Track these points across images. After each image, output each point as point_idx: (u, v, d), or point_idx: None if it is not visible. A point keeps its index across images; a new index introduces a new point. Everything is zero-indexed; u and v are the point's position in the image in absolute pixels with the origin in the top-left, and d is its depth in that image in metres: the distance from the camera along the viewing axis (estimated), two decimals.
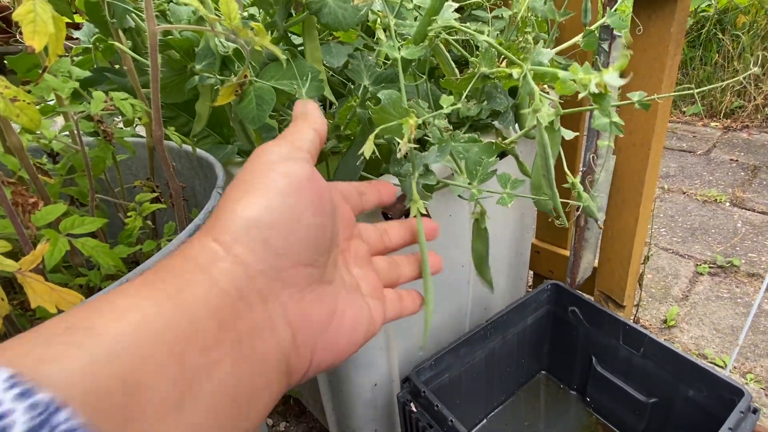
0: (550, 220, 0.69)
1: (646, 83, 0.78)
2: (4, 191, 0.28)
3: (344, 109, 0.48)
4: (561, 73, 0.37)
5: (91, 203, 0.40)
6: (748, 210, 1.76)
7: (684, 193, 1.91)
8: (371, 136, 0.38)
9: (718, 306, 1.32)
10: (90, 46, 0.65)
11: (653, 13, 0.73)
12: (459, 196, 0.48)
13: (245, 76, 0.34)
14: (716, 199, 1.83)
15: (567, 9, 0.59)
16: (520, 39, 0.55)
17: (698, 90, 0.42)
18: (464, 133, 0.72)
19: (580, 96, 0.38)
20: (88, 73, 0.44)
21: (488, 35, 0.70)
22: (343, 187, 0.37)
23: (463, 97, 0.59)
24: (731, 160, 2.17)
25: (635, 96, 0.46)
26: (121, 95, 0.38)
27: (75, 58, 0.68)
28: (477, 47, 0.74)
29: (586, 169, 0.86)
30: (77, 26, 0.71)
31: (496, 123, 0.75)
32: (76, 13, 0.65)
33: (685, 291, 1.38)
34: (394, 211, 0.63)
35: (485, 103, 0.70)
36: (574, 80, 0.39)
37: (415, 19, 0.58)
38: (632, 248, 0.95)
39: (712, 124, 2.57)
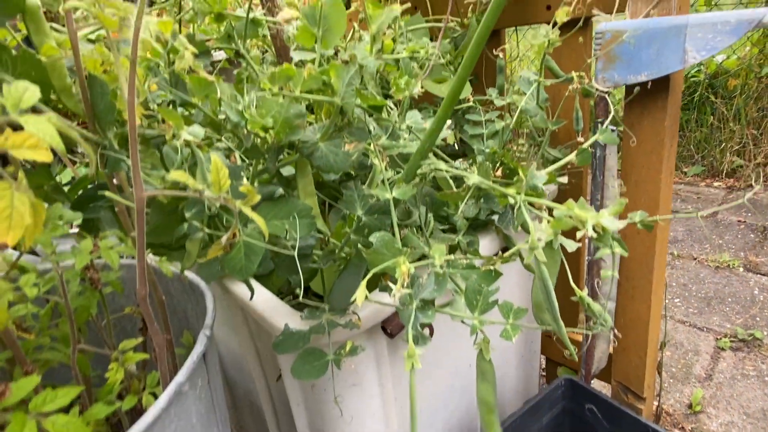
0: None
1: (644, 174, 0.78)
2: None
3: (338, 233, 0.47)
4: (556, 212, 0.37)
5: (72, 355, 0.38)
6: (764, 275, 1.70)
7: (695, 258, 1.87)
8: (363, 283, 0.36)
9: (745, 386, 1.24)
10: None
11: (645, 109, 0.74)
12: (462, 321, 0.46)
13: (234, 235, 0.33)
14: (729, 265, 1.79)
15: (560, 118, 0.59)
16: (515, 149, 0.55)
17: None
18: (464, 234, 0.70)
19: (579, 235, 0.37)
20: (80, 215, 0.44)
21: (483, 139, 0.71)
22: None
23: (461, 209, 0.58)
24: (739, 221, 2.14)
25: (636, 216, 0.45)
26: (108, 243, 0.38)
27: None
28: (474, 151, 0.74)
29: (590, 259, 0.84)
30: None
31: (495, 219, 0.74)
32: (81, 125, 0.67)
33: (707, 369, 1.31)
34: (393, 325, 0.61)
35: (482, 202, 0.70)
36: (570, 216, 0.38)
37: (409, 131, 0.59)
38: (647, 336, 0.91)
39: (715, 183, 2.57)
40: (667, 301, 1.62)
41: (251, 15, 0.54)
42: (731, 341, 1.40)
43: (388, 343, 0.60)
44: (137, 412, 0.44)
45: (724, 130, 2.60)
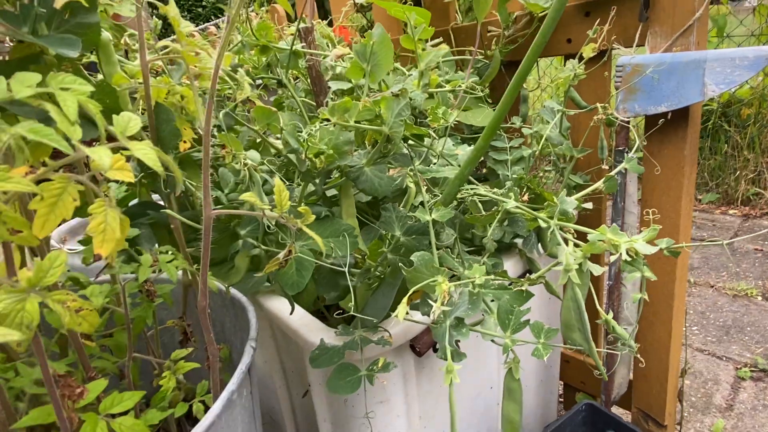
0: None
1: (665, 200, 0.79)
2: (56, 393, 0.29)
3: (373, 253, 0.49)
4: (590, 236, 0.39)
5: (128, 362, 0.41)
6: None
7: (712, 286, 1.86)
8: (405, 299, 0.38)
9: (766, 417, 1.22)
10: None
11: (665, 137, 0.76)
12: (492, 341, 0.48)
13: (290, 252, 0.36)
14: (747, 293, 1.77)
15: (583, 146, 0.62)
16: (542, 175, 0.57)
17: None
18: (488, 257, 0.72)
19: (613, 258, 0.39)
20: (137, 232, 0.47)
21: (508, 165, 0.73)
22: None
23: (490, 232, 0.60)
24: (755, 249, 2.12)
25: (663, 243, 0.47)
26: (167, 257, 0.40)
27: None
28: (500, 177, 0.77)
29: (610, 284, 0.85)
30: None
31: (518, 242, 0.76)
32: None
33: (728, 399, 1.29)
34: (422, 344, 0.62)
35: (507, 224, 0.72)
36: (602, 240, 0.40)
37: (438, 157, 0.61)
38: (668, 362, 0.91)
39: (731, 211, 2.56)
40: (685, 329, 1.61)
41: (293, 48, 0.58)
42: (751, 371, 1.38)
43: (416, 361, 0.62)
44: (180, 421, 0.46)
45: (739, 158, 2.61)
